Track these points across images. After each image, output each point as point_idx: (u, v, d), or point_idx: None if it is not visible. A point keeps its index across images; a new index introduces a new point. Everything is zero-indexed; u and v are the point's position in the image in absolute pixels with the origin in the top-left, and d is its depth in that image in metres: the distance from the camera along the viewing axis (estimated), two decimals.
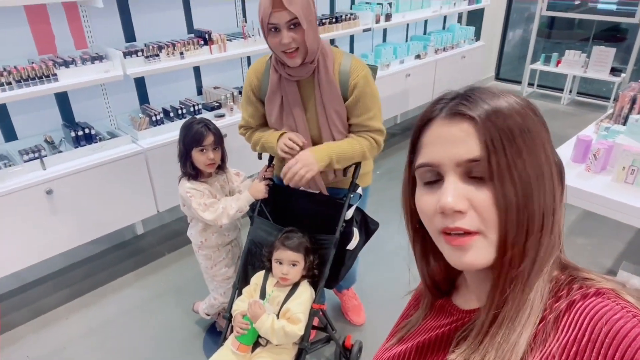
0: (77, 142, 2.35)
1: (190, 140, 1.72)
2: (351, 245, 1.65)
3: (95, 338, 2.20)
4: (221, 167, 1.86)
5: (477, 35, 5.03)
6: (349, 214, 1.62)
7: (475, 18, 5.30)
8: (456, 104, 0.53)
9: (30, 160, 2.18)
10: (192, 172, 1.76)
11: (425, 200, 0.55)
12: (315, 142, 1.61)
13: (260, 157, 1.78)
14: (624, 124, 1.98)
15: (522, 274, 0.50)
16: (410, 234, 0.65)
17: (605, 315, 0.45)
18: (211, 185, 1.82)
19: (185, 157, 1.75)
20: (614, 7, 4.75)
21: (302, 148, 1.56)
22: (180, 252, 2.82)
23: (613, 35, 5.49)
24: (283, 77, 1.53)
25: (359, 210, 1.66)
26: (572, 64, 4.99)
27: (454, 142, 0.52)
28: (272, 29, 1.39)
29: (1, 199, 2.04)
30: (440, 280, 0.67)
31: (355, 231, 1.64)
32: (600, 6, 4.85)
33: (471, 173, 0.51)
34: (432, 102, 0.58)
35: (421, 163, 0.55)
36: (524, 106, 0.53)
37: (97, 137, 2.43)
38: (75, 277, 2.62)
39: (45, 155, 2.22)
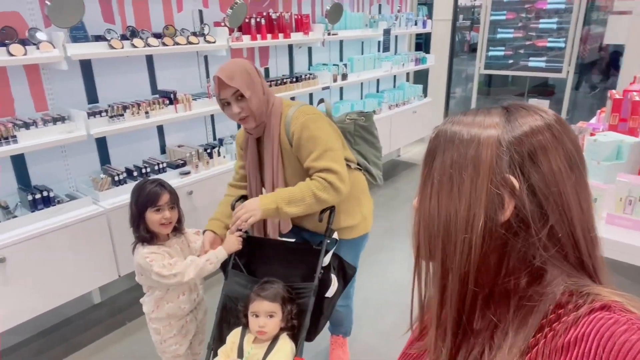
0: (34, 205, 2.24)
1: (144, 200, 1.63)
2: (330, 293, 1.63)
3: None
4: (178, 229, 1.75)
5: (425, 93, 5.40)
6: (327, 260, 1.62)
7: (421, 77, 5.72)
8: None
9: None
10: (146, 236, 1.65)
11: None
12: (274, 189, 1.70)
13: (233, 208, 1.77)
14: None
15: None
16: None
17: (611, 328, 0.45)
18: (170, 247, 1.71)
19: (138, 220, 1.65)
20: (543, 64, 5.29)
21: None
22: (143, 318, 2.64)
23: (545, 89, 6.08)
24: (246, 136, 1.76)
25: (335, 255, 1.66)
26: None
27: None
28: (225, 103, 1.63)
29: None
30: None
31: (334, 277, 1.63)
32: (531, 64, 5.39)
33: None
34: None
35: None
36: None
37: (56, 200, 2.33)
38: (25, 355, 2.38)
39: None
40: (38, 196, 2.24)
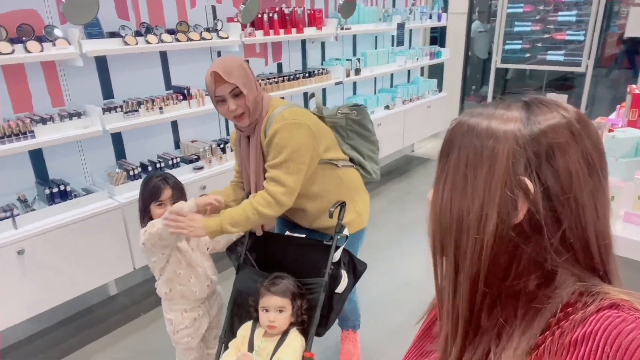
0: (52, 199, 2.29)
1: (147, 194, 1.69)
2: (340, 289, 1.63)
3: None
4: None
5: (440, 87, 5.34)
6: (337, 256, 1.62)
7: (436, 71, 5.65)
8: None
9: (1, 219, 2.10)
10: None
11: None
12: (257, 189, 1.70)
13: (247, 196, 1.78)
14: None
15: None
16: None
17: (619, 327, 0.45)
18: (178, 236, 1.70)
19: (144, 213, 1.70)
20: (561, 58, 5.18)
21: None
22: (158, 310, 2.69)
23: (563, 83, 5.95)
24: (238, 134, 1.76)
25: (346, 251, 1.66)
26: None
27: None
28: (219, 100, 1.60)
29: None
30: None
31: (344, 273, 1.63)
32: (549, 57, 5.28)
33: None
34: None
35: None
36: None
37: (72, 194, 2.38)
38: (43, 344, 2.44)
39: (18, 214, 2.15)
40: (55, 190, 2.29)
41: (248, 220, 1.57)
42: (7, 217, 2.10)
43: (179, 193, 1.73)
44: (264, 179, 1.63)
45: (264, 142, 1.62)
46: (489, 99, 5.62)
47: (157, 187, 1.68)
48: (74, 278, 2.31)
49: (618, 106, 2.99)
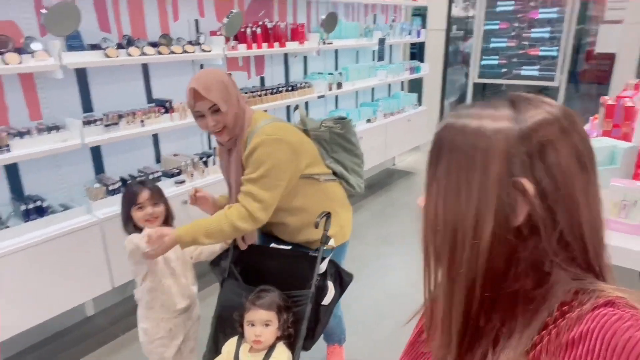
0: (27, 215, 2.21)
1: (126, 200, 1.73)
2: (326, 300, 1.61)
3: None
4: (169, 225, 1.79)
5: (419, 101, 5.43)
6: (323, 267, 1.60)
7: (416, 86, 5.76)
8: None
9: None
10: (136, 232, 1.68)
11: None
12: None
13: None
14: None
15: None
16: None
17: (614, 325, 0.45)
18: None
19: (126, 220, 1.73)
20: (536, 72, 5.35)
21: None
22: (135, 330, 2.59)
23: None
24: (218, 147, 1.77)
25: (332, 262, 1.65)
26: None
27: None
28: (199, 116, 1.60)
29: None
30: None
31: (330, 285, 1.62)
32: (524, 72, 5.45)
33: None
34: None
35: None
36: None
37: (49, 210, 2.31)
38: None
39: None
40: (31, 206, 2.22)
41: (222, 232, 1.55)
42: None
43: (157, 195, 1.74)
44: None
45: (244, 155, 1.61)
46: None
47: (133, 191, 1.71)
48: (49, 299, 2.22)
49: (591, 118, 3.09)
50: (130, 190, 1.73)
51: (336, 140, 1.86)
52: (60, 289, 2.25)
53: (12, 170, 2.33)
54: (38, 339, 2.52)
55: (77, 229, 2.26)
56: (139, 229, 1.70)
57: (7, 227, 2.16)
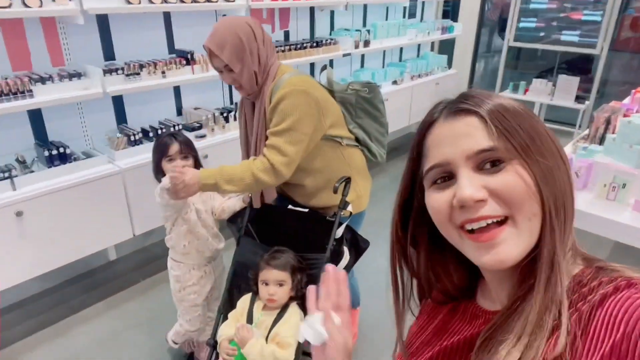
0: (51, 161, 2.25)
1: (157, 152, 1.75)
2: (341, 265, 1.61)
3: None
4: None
5: (449, 64, 5.21)
6: (339, 232, 1.59)
7: (447, 47, 5.51)
8: (456, 104, 0.55)
9: None
10: None
11: (438, 198, 0.54)
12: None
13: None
14: (600, 143, 2.06)
15: (556, 261, 0.49)
16: (400, 248, 0.64)
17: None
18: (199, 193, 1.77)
19: (156, 170, 1.76)
20: (576, 38, 5.03)
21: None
22: (156, 277, 2.70)
23: (576, 65, 5.81)
24: (243, 98, 1.72)
25: (348, 228, 1.63)
26: (539, 92, 5.21)
27: (460, 137, 0.52)
28: (218, 71, 1.60)
29: None
30: (453, 287, 0.65)
31: (346, 250, 1.61)
32: (563, 37, 5.13)
33: (482, 165, 0.51)
34: (430, 109, 0.59)
35: (431, 166, 0.55)
36: (522, 105, 0.55)
37: (72, 157, 2.33)
38: (42, 306, 2.46)
39: (16, 175, 2.11)
40: (55, 152, 2.24)
41: (243, 181, 1.52)
42: (5, 178, 2.06)
43: (187, 148, 1.76)
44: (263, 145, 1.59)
45: (269, 107, 1.57)
46: (499, 78, 5.49)
47: (164, 143, 1.74)
48: (73, 242, 2.29)
49: (633, 91, 2.91)
50: (162, 142, 1.75)
51: (362, 105, 1.79)
52: (84, 234, 2.31)
53: (36, 116, 2.35)
54: (65, 278, 2.64)
55: (99, 177, 2.29)
56: None
57: (32, 171, 2.20)
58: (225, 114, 2.88)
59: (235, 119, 2.90)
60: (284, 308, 1.54)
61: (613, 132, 2.04)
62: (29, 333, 2.26)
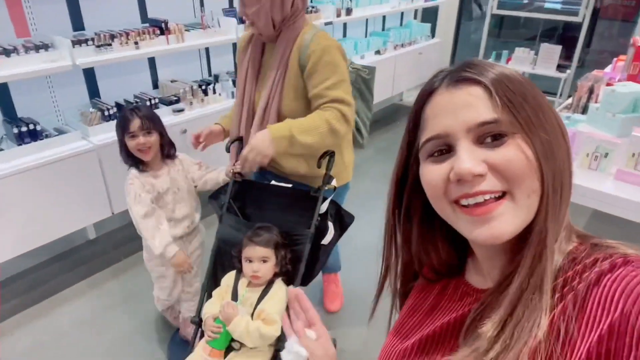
0: (21, 139, 2.15)
1: (119, 127, 1.68)
2: (326, 240, 1.59)
3: (44, 354, 2.02)
4: (169, 155, 1.78)
5: (432, 33, 5.13)
6: (324, 207, 1.56)
7: (430, 15, 5.40)
8: (458, 72, 0.52)
9: None
10: (130, 161, 1.71)
11: (433, 171, 0.52)
12: (264, 114, 1.59)
13: (228, 149, 1.69)
14: (583, 112, 2.06)
15: (546, 241, 0.47)
16: (395, 221, 0.64)
17: (638, 285, 0.42)
18: (158, 177, 1.75)
19: (121, 147, 1.71)
20: (559, 6, 4.99)
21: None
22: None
23: (559, 34, 5.79)
24: (255, 35, 1.60)
25: (333, 203, 1.61)
26: (521, 61, 5.19)
27: (462, 108, 0.49)
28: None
29: None
30: (440, 264, 0.64)
31: (330, 225, 1.59)
32: (547, 5, 5.08)
33: (482, 138, 0.49)
34: (430, 78, 0.55)
35: (429, 137, 0.52)
36: (525, 77, 0.52)
37: (44, 134, 2.23)
38: (21, 287, 2.40)
39: None
40: (24, 129, 2.14)
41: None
42: None
43: (150, 122, 1.68)
44: (280, 96, 1.54)
45: (303, 64, 1.50)
46: (482, 47, 5.44)
47: (124, 118, 1.67)
48: (50, 221, 2.22)
49: (615, 59, 2.90)
50: (123, 117, 1.68)
51: (359, 85, 1.77)
52: (60, 214, 2.24)
53: (2, 91, 2.22)
54: (44, 258, 2.57)
55: (73, 154, 2.21)
56: (134, 159, 1.70)
57: (2, 149, 2.10)
58: (204, 87, 2.79)
59: (215, 92, 2.81)
60: (268, 284, 1.52)
61: (596, 102, 2.04)
62: (8, 315, 2.21)
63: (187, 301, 1.97)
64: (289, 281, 1.57)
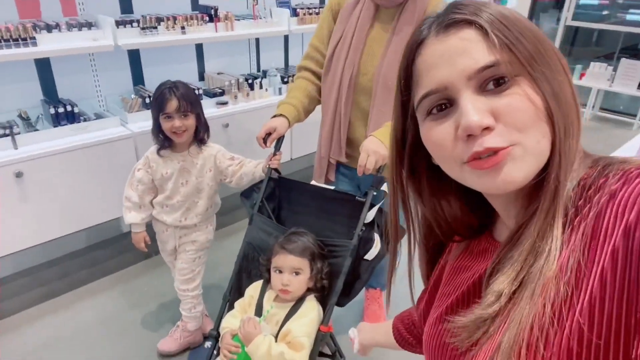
0: (57, 120, 2.06)
1: (155, 105, 1.55)
2: (370, 255, 1.34)
3: (63, 348, 1.89)
4: (201, 140, 1.64)
5: None
6: (370, 215, 1.32)
7: None
8: (447, 15, 0.47)
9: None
10: (162, 141, 1.59)
11: (438, 131, 0.48)
12: (362, 92, 1.39)
13: (265, 142, 1.49)
14: None
15: (560, 187, 0.44)
16: (403, 184, 0.59)
17: None
18: (170, 161, 1.64)
19: (155, 124, 1.58)
20: None
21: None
22: None
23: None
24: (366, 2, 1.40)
25: (382, 212, 1.36)
26: (597, 77, 4.71)
27: (457, 55, 0.45)
28: None
29: None
30: (456, 221, 0.60)
31: (377, 238, 1.34)
32: (629, 17, 4.60)
33: (484, 84, 0.45)
34: (414, 29, 0.51)
35: (425, 93, 0.48)
36: (515, 11, 0.48)
37: (81, 117, 2.14)
38: (48, 276, 2.30)
39: (18, 133, 1.93)
40: (61, 110, 2.05)
41: None
42: (6, 135, 1.89)
43: (188, 105, 1.53)
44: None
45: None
46: None
47: (162, 97, 1.52)
48: (80, 209, 2.12)
49: None
50: (160, 95, 1.53)
51: None
52: (92, 201, 2.13)
53: (45, 69, 2.16)
54: (70, 250, 2.49)
55: (109, 140, 2.09)
56: (165, 139, 1.59)
57: (36, 129, 2.02)
58: (250, 81, 2.63)
59: (261, 87, 2.65)
60: (299, 301, 1.29)
61: None
62: (30, 304, 2.13)
63: (183, 299, 1.84)
64: (322, 300, 1.33)
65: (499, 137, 0.43)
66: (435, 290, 0.66)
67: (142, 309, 2.13)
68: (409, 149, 0.56)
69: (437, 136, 0.47)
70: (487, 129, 0.44)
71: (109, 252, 2.51)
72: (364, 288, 1.98)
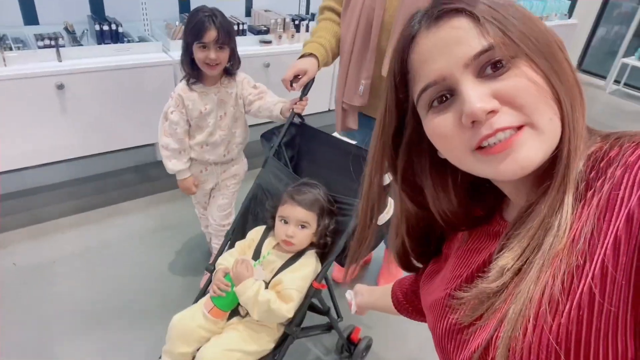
0: (102, 38, 2.07)
1: (190, 31, 1.43)
2: (381, 219, 1.27)
3: (87, 259, 2.00)
4: (230, 72, 1.55)
5: (570, 12, 4.28)
6: (387, 179, 1.24)
7: None
8: (436, 7, 0.47)
9: (45, 47, 1.93)
10: (192, 72, 1.50)
11: (441, 122, 0.47)
12: (382, 29, 1.27)
13: (291, 85, 1.42)
14: None
15: (573, 163, 0.43)
16: (403, 186, 0.60)
17: None
18: (206, 95, 1.54)
19: (186, 53, 1.48)
20: None
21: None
22: None
23: None
24: None
25: None
26: None
27: (451, 44, 0.45)
28: None
29: (8, 82, 1.81)
30: (457, 215, 0.59)
31: (390, 201, 1.26)
32: None
33: (482, 70, 0.44)
34: (405, 24, 0.50)
35: (424, 86, 0.47)
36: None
37: (125, 38, 2.15)
38: (82, 190, 2.42)
39: (63, 45, 1.96)
40: (106, 28, 2.06)
41: None
42: (52, 46, 1.93)
43: (227, 37, 1.44)
44: None
45: None
46: (624, 44, 4.46)
47: (201, 24, 1.41)
48: (117, 129, 2.17)
49: None
50: (199, 21, 1.41)
51: None
52: (128, 123, 2.18)
53: None
54: (107, 169, 2.59)
55: (149, 64, 2.10)
56: (197, 70, 1.50)
57: (81, 45, 2.05)
58: (297, 22, 2.52)
59: (307, 30, 2.53)
60: (298, 253, 1.26)
61: None
62: (64, 214, 2.25)
63: (219, 234, 1.82)
64: (323, 256, 1.30)
65: (508, 116, 0.43)
66: (438, 270, 0.66)
67: (169, 232, 2.20)
68: (406, 146, 0.55)
69: (441, 128, 0.47)
70: (492, 112, 0.43)
71: (141, 176, 2.59)
72: (384, 246, 1.93)
